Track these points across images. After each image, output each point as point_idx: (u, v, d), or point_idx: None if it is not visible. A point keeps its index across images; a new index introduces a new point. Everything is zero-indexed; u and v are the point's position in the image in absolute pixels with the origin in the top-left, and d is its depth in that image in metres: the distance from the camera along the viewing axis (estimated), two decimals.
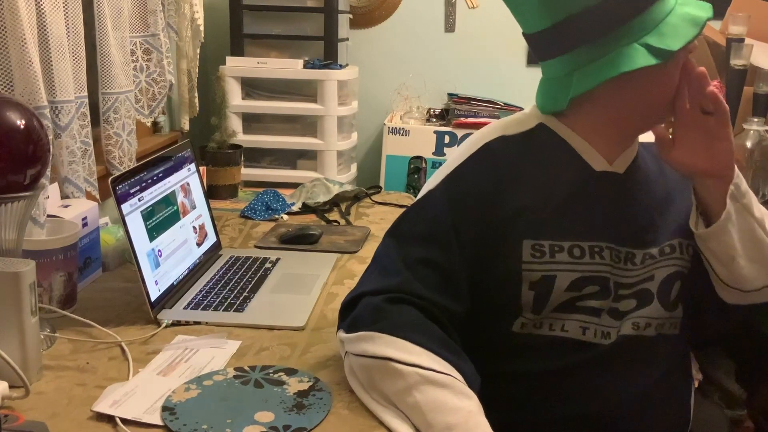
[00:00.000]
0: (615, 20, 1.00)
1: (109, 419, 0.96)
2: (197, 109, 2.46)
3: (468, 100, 2.85)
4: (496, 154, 1.08)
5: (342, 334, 1.04)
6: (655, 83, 1.04)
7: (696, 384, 1.22)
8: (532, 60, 3.01)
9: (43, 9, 1.44)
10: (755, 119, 2.06)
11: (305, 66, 2.61)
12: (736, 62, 2.29)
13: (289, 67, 2.60)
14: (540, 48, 1.08)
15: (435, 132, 2.81)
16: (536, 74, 1.12)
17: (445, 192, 1.07)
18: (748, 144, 2.03)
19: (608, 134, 1.09)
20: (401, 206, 2.06)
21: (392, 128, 2.84)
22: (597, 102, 1.06)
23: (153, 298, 1.27)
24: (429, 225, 1.06)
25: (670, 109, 1.07)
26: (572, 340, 1.05)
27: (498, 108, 2.83)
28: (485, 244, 1.04)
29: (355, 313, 1.03)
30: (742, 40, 2.32)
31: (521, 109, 2.85)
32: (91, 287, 1.42)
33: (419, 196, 1.12)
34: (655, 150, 1.14)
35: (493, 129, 1.12)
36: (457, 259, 1.03)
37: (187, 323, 1.26)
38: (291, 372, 1.09)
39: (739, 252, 1.06)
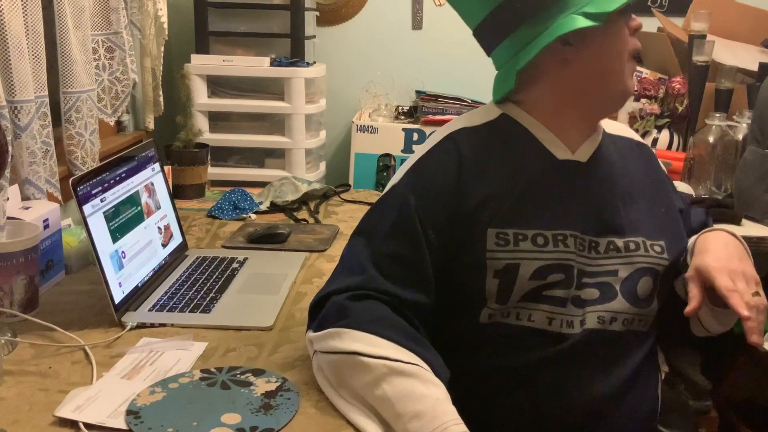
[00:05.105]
0: None
1: (72, 424, 0.95)
2: (162, 107, 2.43)
3: (436, 97, 2.86)
4: (459, 144, 1.09)
5: (310, 334, 1.05)
6: (596, 52, 1.05)
7: (662, 376, 1.23)
8: None
9: (0, 7, 1.41)
10: (717, 114, 2.09)
11: (272, 64, 2.58)
12: (698, 58, 2.32)
13: (255, 65, 2.57)
14: (486, 40, 1.11)
15: (403, 129, 2.81)
16: None
17: (409, 184, 1.08)
18: (711, 139, 2.06)
19: (567, 119, 1.10)
20: (370, 204, 2.04)
21: (361, 126, 2.83)
22: (547, 80, 1.08)
23: (117, 300, 1.25)
24: (394, 219, 1.06)
25: (626, 90, 1.09)
26: (538, 330, 1.05)
27: (466, 105, 2.84)
28: (451, 234, 1.05)
29: (323, 313, 1.04)
30: (704, 37, 2.35)
31: None
32: (54, 290, 1.39)
33: (384, 191, 1.13)
34: (622, 144, 1.16)
35: (456, 121, 1.14)
36: (424, 249, 1.04)
37: (152, 325, 1.24)
38: (258, 373, 1.08)
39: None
